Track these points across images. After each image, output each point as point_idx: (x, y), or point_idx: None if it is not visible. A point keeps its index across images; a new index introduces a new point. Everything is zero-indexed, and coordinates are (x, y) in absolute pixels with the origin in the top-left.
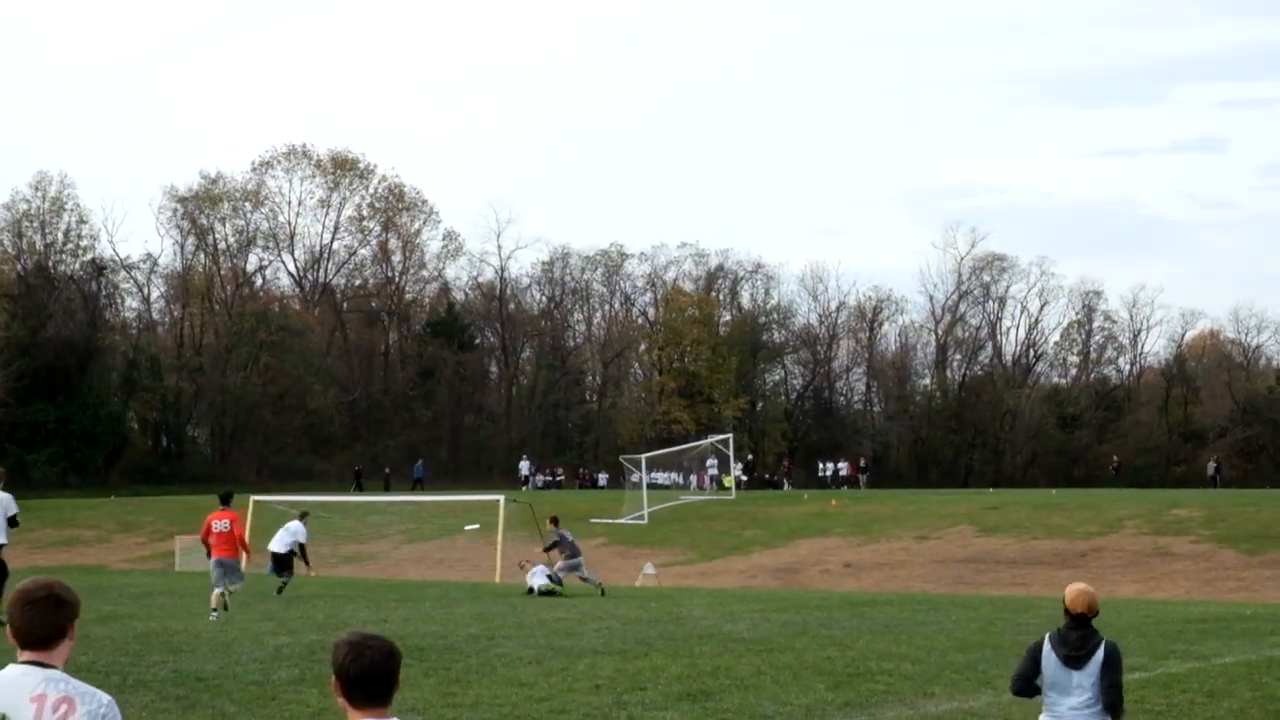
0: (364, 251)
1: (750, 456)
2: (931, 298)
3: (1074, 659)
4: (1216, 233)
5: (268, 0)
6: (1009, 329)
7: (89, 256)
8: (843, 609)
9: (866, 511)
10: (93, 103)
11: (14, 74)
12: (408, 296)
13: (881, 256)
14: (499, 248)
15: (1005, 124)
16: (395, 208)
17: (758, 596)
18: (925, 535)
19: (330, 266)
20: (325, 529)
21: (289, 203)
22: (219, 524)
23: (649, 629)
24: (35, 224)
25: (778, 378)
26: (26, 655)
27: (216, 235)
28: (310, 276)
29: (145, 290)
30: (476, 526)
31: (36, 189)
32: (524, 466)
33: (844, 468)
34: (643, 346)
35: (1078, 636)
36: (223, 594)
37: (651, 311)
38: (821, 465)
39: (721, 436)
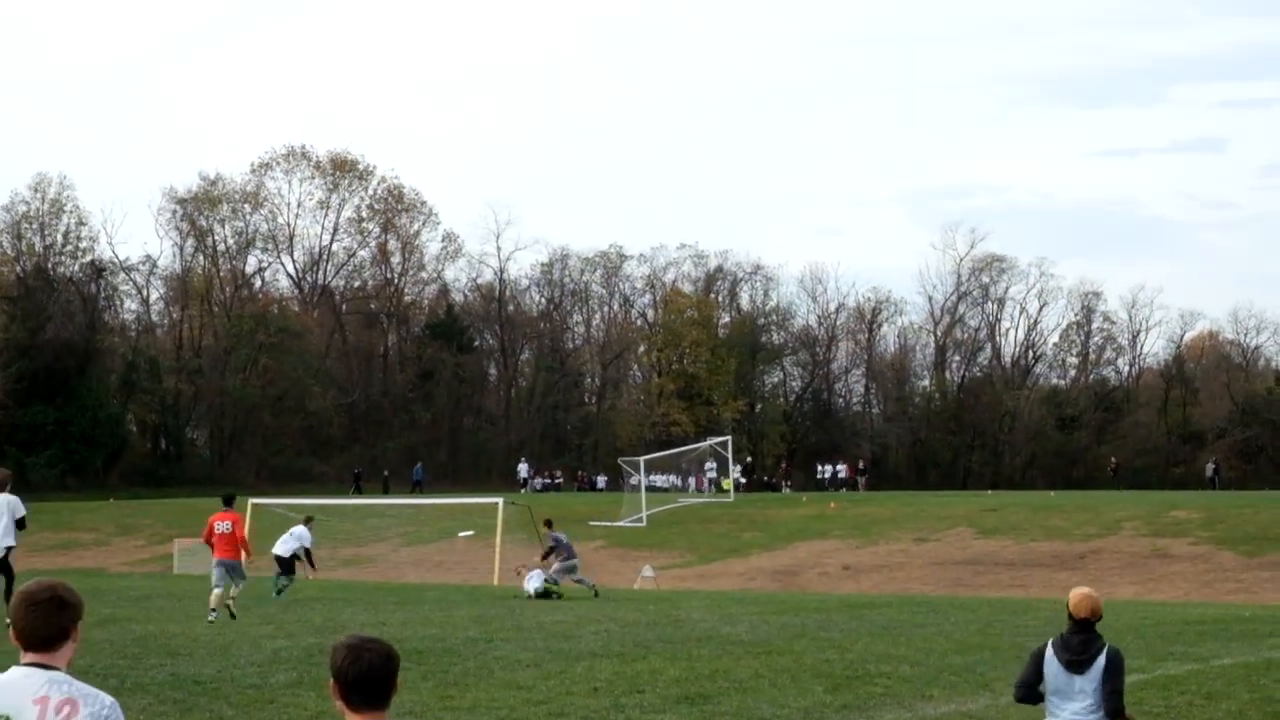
0: (363, 253)
1: (749, 459)
2: (930, 299)
3: (1076, 664)
4: (1216, 233)
5: (267, 1)
6: (1008, 330)
7: (88, 258)
8: (841, 611)
9: (865, 514)
10: (92, 104)
11: (13, 76)
12: (407, 298)
13: (880, 257)
14: (498, 249)
15: (1004, 124)
16: (394, 209)
17: (756, 599)
18: (924, 537)
19: (329, 268)
20: (324, 532)
21: (288, 204)
22: (221, 525)
23: (647, 632)
24: (34, 226)
25: (777, 379)
26: (30, 657)
27: (215, 237)
28: (309, 278)
29: (144, 292)
30: (471, 533)
31: (36, 190)
32: (523, 469)
33: (842, 470)
34: (642, 348)
35: (1080, 641)
36: (223, 594)
37: (650, 313)
38: (820, 467)
39: (720, 439)
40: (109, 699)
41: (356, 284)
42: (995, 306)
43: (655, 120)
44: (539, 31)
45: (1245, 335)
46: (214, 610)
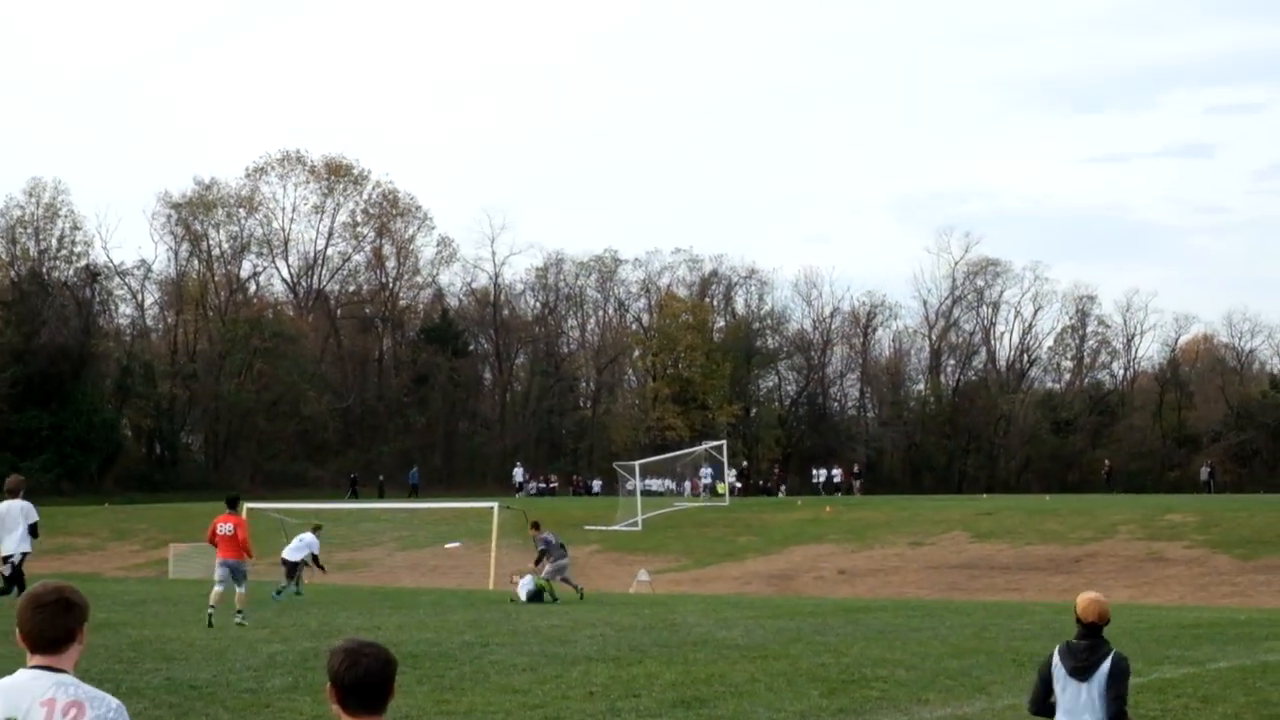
0: (358, 258)
1: (745, 463)
2: (925, 303)
3: (1080, 670)
4: (1210, 237)
5: (262, 6)
6: (1003, 334)
7: (83, 263)
8: (837, 615)
9: (860, 518)
10: (87, 109)
11: (8, 82)
12: (402, 303)
13: (875, 262)
14: (493, 254)
15: (997, 129)
16: (389, 214)
17: (752, 603)
18: (919, 541)
19: (324, 273)
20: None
21: (283, 209)
22: (223, 527)
23: (643, 636)
24: (29, 230)
25: (771, 384)
26: (36, 659)
27: (210, 242)
28: (304, 283)
29: (139, 297)
30: (458, 544)
31: (30, 195)
32: (518, 473)
33: (838, 474)
34: (636, 352)
35: (1085, 647)
36: (223, 594)
37: (645, 317)
38: (815, 471)
39: (715, 443)
40: (115, 702)
41: (351, 288)
42: (990, 310)
43: (650, 125)
44: (534, 37)
45: (1240, 339)
46: (212, 607)
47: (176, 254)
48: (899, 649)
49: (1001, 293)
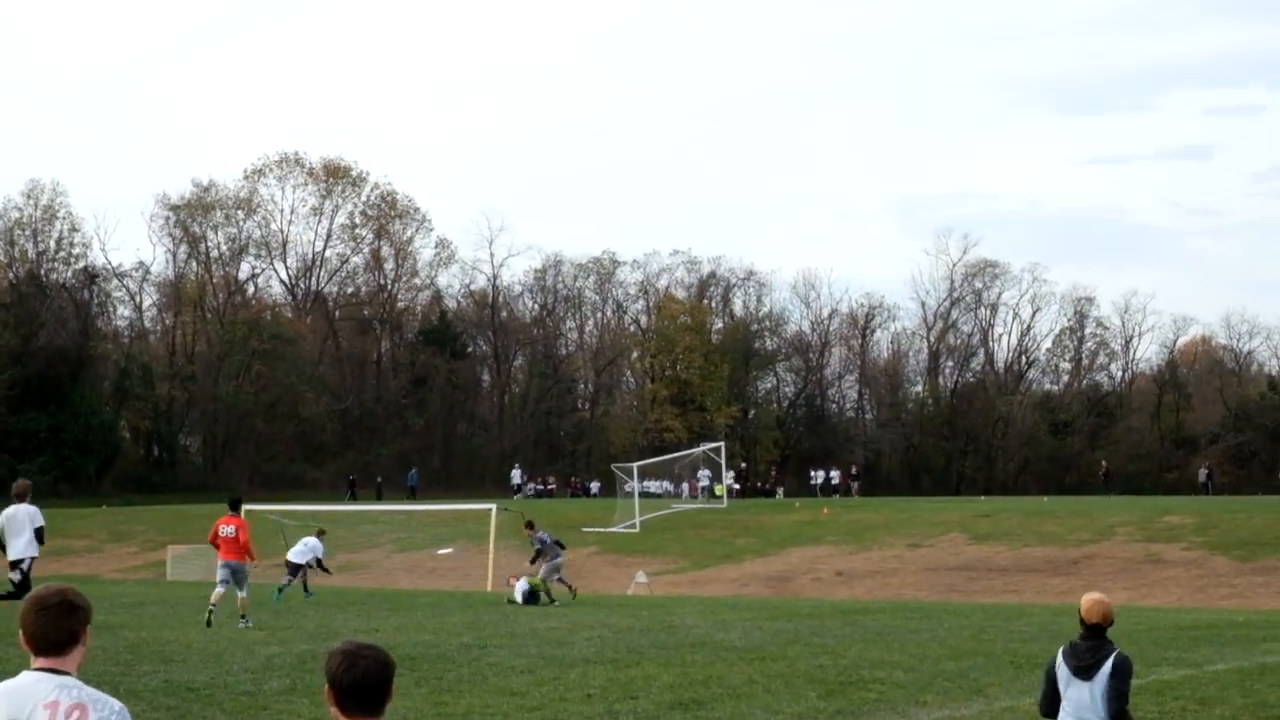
0: (356, 259)
1: (744, 464)
2: (923, 304)
3: (1083, 670)
4: (1208, 239)
5: (261, 8)
6: (1001, 336)
7: (81, 265)
8: (835, 617)
9: (858, 519)
10: (85, 111)
11: (6, 83)
12: (400, 304)
13: (873, 263)
14: (491, 255)
15: (996, 131)
16: (387, 215)
17: (750, 605)
18: (917, 543)
19: (322, 274)
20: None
21: (281, 211)
22: (225, 529)
23: (641, 638)
24: (27, 232)
25: (770, 385)
26: (40, 662)
27: (209, 243)
28: (302, 284)
29: (137, 298)
30: (450, 550)
31: (28, 197)
32: (516, 475)
33: (835, 476)
34: (635, 354)
35: (1088, 647)
36: (224, 594)
37: (644, 319)
38: (813, 473)
39: (713, 444)
40: (118, 704)
41: (350, 290)
42: (988, 312)
43: (648, 126)
44: (533, 38)
45: (1238, 340)
46: (213, 607)
47: (175, 256)
48: (897, 651)
49: (1000, 294)
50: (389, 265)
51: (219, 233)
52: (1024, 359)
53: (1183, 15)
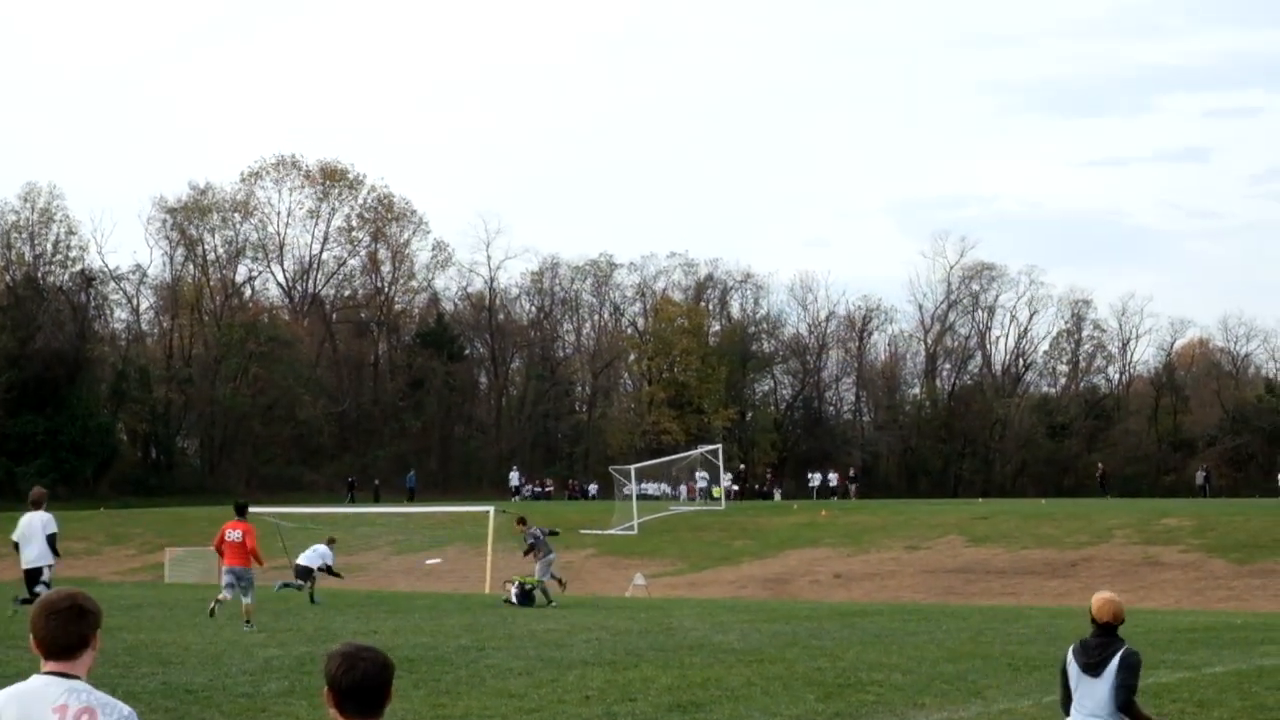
0: (353, 262)
1: (742, 466)
2: (921, 307)
3: (1093, 666)
4: (1206, 242)
5: (258, 11)
6: (998, 338)
7: (78, 267)
8: (833, 619)
9: (856, 522)
10: (82, 114)
11: (2, 85)
12: (397, 307)
13: (870, 266)
14: (488, 258)
15: (993, 134)
16: (384, 218)
17: (748, 607)
18: (915, 545)
19: (319, 277)
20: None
21: (278, 213)
22: (232, 534)
23: (639, 640)
24: (24, 235)
25: (767, 388)
26: (50, 666)
27: (205, 246)
28: (299, 287)
29: (134, 301)
30: (438, 561)
31: (25, 200)
32: (514, 477)
33: (833, 478)
34: (632, 357)
35: (1098, 644)
36: (230, 599)
37: (641, 321)
38: (809, 475)
39: (711, 447)
40: (127, 709)
41: (347, 293)
42: (985, 314)
43: (646, 128)
44: (530, 41)
45: (1235, 343)
46: (218, 602)
47: (172, 258)
48: (895, 653)
49: (997, 297)
50: (386, 268)
51: (216, 235)
52: (1021, 361)
53: (1181, 18)
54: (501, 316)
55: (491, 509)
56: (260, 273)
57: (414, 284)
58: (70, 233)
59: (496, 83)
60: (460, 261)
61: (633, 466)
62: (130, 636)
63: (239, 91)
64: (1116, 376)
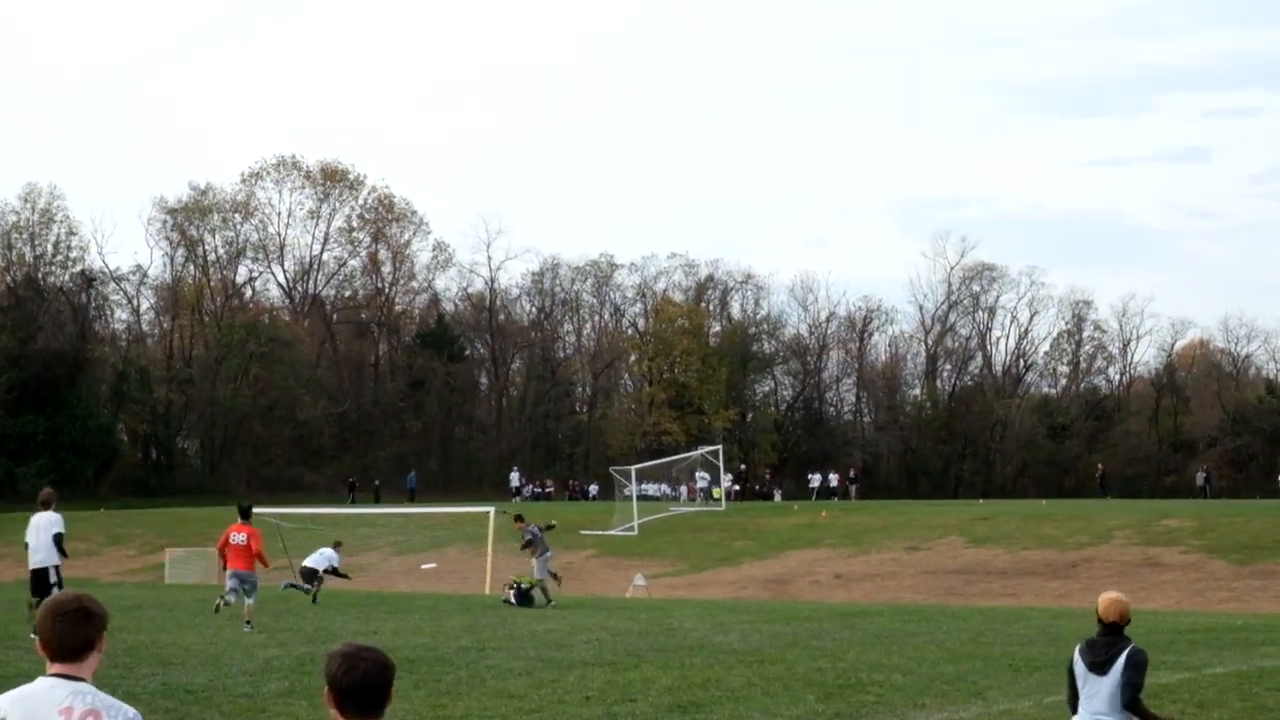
0: (354, 262)
1: (744, 467)
2: (921, 308)
3: (1099, 665)
4: (1206, 242)
5: (258, 11)
6: (999, 339)
7: (78, 268)
8: (833, 620)
9: (857, 523)
10: (82, 114)
11: (2, 85)
12: (397, 307)
13: (871, 267)
14: (489, 259)
15: (993, 134)
16: (385, 219)
17: (748, 608)
18: (915, 546)
19: (320, 278)
20: (316, 542)
21: (279, 214)
22: (236, 537)
23: (639, 640)
24: (24, 235)
25: (768, 388)
26: (56, 668)
27: (206, 247)
28: (300, 288)
29: (135, 302)
30: (433, 566)
31: (25, 200)
32: (515, 478)
33: (834, 479)
34: (633, 357)
35: (1104, 643)
36: (235, 602)
37: (641, 322)
38: (810, 476)
39: (711, 448)
40: (132, 711)
41: (347, 293)
42: (986, 315)
43: (646, 129)
44: (530, 41)
45: (1236, 344)
46: (225, 600)
47: (172, 259)
48: (895, 654)
49: (998, 297)
50: (386, 268)
51: (216, 236)
52: (1022, 362)
53: (1181, 18)
54: (502, 317)
55: (492, 510)
56: (261, 273)
57: (414, 284)
58: (71, 233)
59: (496, 83)
60: (461, 262)
61: (633, 467)
62: (130, 637)
63: (239, 91)
64: (1117, 377)
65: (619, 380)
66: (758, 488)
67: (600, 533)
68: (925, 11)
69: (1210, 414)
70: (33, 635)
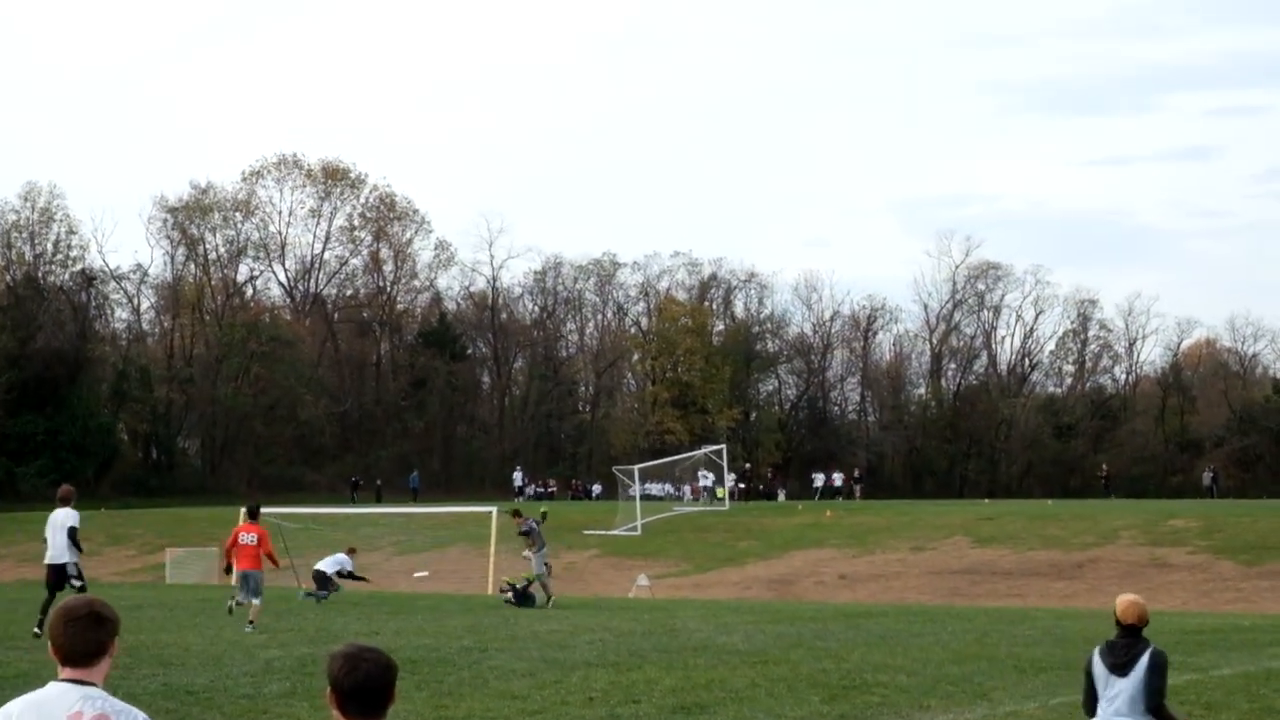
0: (355, 261)
1: (748, 466)
2: (926, 307)
3: (1120, 666)
4: (1211, 241)
5: (259, 10)
6: (1004, 338)
7: (78, 267)
8: (837, 620)
9: (861, 522)
10: (82, 113)
11: (3, 84)
12: (399, 306)
13: (875, 265)
14: (491, 257)
15: (997, 132)
16: (386, 217)
17: (752, 608)
18: (920, 546)
19: (321, 276)
20: (318, 541)
21: (280, 213)
22: (246, 537)
23: (643, 641)
24: (24, 235)
25: (771, 388)
26: (67, 673)
27: (207, 245)
28: (301, 287)
29: (135, 301)
30: (425, 574)
31: (25, 199)
32: (517, 477)
33: (838, 478)
34: (635, 356)
35: (1124, 645)
36: (243, 604)
37: (644, 321)
38: (814, 475)
39: (715, 447)
40: (143, 715)
41: (349, 292)
42: (991, 314)
43: (649, 127)
44: (532, 40)
45: (1243, 343)
46: (236, 602)
47: (173, 258)
48: (900, 655)
49: (1002, 296)
50: (388, 267)
51: (217, 235)
52: (1027, 361)
53: (1184, 17)
54: (504, 316)
55: (494, 509)
56: (262, 272)
57: (416, 283)
58: (71, 232)
59: (497, 82)
60: (463, 261)
61: (636, 467)
62: (130, 638)
63: (239, 91)
64: (1123, 377)
65: (622, 379)
66: (761, 487)
67: (603, 533)
68: (925, 11)
69: (1217, 413)
70: (36, 631)
